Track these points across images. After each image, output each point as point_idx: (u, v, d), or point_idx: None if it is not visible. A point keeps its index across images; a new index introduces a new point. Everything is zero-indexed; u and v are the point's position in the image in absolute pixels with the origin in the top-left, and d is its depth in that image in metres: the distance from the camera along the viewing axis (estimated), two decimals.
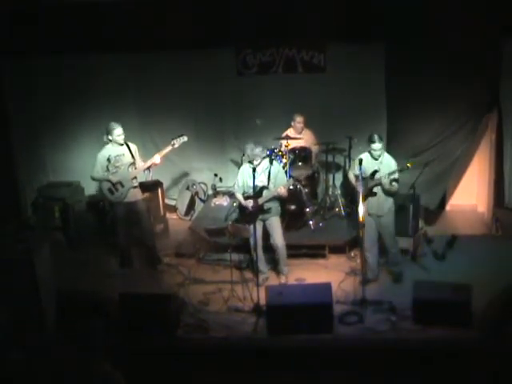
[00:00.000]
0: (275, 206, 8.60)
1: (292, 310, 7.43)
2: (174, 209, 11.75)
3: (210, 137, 11.26)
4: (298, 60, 11.02)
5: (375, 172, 8.23)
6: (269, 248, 8.81)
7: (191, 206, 11.59)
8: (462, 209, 11.42)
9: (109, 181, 8.98)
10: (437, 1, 9.53)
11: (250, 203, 8.44)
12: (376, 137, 8.18)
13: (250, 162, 8.51)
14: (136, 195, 9.25)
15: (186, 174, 11.78)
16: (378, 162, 8.29)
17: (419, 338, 7.26)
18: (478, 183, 11.35)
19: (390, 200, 8.38)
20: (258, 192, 8.39)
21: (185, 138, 9.21)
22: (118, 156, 9.04)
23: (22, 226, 11.15)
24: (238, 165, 10.90)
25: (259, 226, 8.54)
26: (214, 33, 10.32)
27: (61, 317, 7.53)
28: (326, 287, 7.66)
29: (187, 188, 11.68)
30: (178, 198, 11.75)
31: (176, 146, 9.18)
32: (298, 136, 10.46)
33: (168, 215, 11.40)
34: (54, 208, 10.99)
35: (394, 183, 8.15)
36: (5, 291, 7.11)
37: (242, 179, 8.66)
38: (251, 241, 8.50)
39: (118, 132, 8.97)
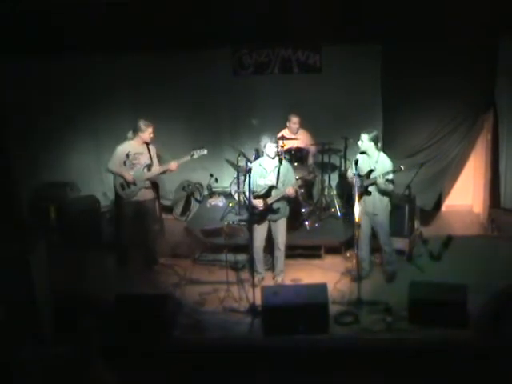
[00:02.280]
0: (283, 207, 8.55)
1: (288, 310, 7.44)
2: (169, 209, 11.73)
3: (205, 137, 11.22)
4: (294, 60, 11.03)
5: (371, 171, 8.30)
6: (267, 249, 8.83)
7: (187, 206, 11.57)
8: (457, 209, 11.42)
9: (122, 177, 9.02)
10: (433, 1, 9.55)
11: (259, 203, 8.40)
12: (361, 135, 8.37)
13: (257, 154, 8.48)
14: (146, 195, 9.31)
15: (181, 175, 11.75)
16: (373, 161, 8.36)
17: (415, 338, 7.27)
18: (473, 184, 11.36)
19: (386, 199, 8.45)
20: (267, 192, 8.40)
21: (205, 151, 9.37)
22: (137, 154, 9.10)
23: (18, 226, 11.12)
24: (234, 165, 10.89)
25: (265, 226, 8.54)
26: (209, 33, 10.31)
27: (57, 317, 7.53)
28: (322, 287, 7.68)
29: (183, 188, 11.66)
30: (174, 199, 11.73)
31: (195, 156, 9.33)
32: (294, 136, 10.45)
33: (164, 216, 11.38)
34: (50, 209, 10.98)
35: (388, 183, 8.21)
36: (1, 292, 7.10)
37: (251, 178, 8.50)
38: (255, 241, 8.46)
39: (150, 130, 9.04)
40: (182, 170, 11.40)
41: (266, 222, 8.56)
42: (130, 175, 9.01)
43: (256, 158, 9.98)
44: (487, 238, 10.23)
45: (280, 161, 8.58)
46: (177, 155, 10.51)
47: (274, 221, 8.55)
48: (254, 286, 8.11)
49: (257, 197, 8.47)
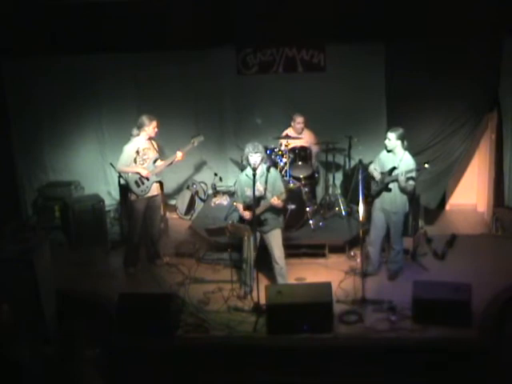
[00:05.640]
0: (273, 218, 8.19)
1: (292, 309, 7.42)
2: (174, 208, 11.75)
3: (210, 136, 11.24)
4: (298, 60, 11.03)
5: (394, 169, 8.32)
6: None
7: (191, 205, 11.58)
8: (461, 208, 11.44)
9: (137, 173, 9.02)
10: (438, 1, 9.55)
11: (246, 214, 8.14)
12: (388, 134, 8.40)
13: (243, 168, 8.25)
14: (157, 189, 9.34)
15: (186, 174, 11.78)
16: (398, 159, 8.36)
17: (419, 337, 7.25)
18: (477, 183, 11.38)
19: (405, 198, 8.44)
20: (256, 202, 8.03)
21: (202, 138, 9.47)
22: (145, 149, 9.10)
23: (23, 225, 11.16)
24: (238, 164, 10.90)
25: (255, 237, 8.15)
26: (214, 32, 10.33)
27: (60, 317, 7.55)
28: (326, 286, 7.66)
29: (187, 187, 11.69)
30: (178, 198, 11.75)
31: (196, 144, 9.39)
32: (298, 136, 10.45)
33: (168, 215, 11.40)
34: (54, 208, 11.02)
35: (410, 181, 8.24)
36: (5, 291, 7.12)
37: (240, 189, 8.30)
38: (244, 252, 8.33)
39: (155, 124, 9.04)
40: (186, 169, 11.49)
41: (257, 234, 8.15)
42: (145, 170, 9.01)
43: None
44: (491, 236, 10.24)
45: (268, 169, 8.16)
46: None
47: (265, 232, 8.22)
48: (240, 298, 8.25)
49: (246, 208, 8.19)
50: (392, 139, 8.35)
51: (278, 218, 8.31)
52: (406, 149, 8.44)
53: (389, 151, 8.47)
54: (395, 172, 8.29)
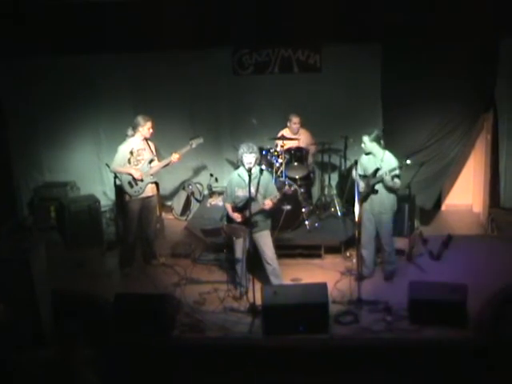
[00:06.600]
0: (262, 220, 8.16)
1: (288, 309, 7.41)
2: (169, 209, 11.74)
3: (205, 137, 11.23)
4: (294, 60, 11.02)
5: (377, 170, 8.30)
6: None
7: (187, 206, 11.58)
8: (457, 209, 11.45)
9: (130, 174, 8.99)
10: (434, 1, 9.56)
11: (237, 216, 8.14)
12: (363, 138, 8.40)
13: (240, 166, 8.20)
14: (152, 190, 9.31)
15: (181, 174, 11.76)
16: (379, 160, 8.35)
17: (415, 338, 7.26)
18: (473, 183, 11.39)
19: (392, 197, 8.43)
20: (245, 204, 8.03)
21: (201, 140, 9.40)
22: (140, 150, 9.07)
23: (19, 226, 11.14)
24: (234, 165, 10.90)
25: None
26: (210, 33, 10.32)
27: (56, 317, 7.53)
28: (322, 287, 7.66)
29: (183, 188, 11.68)
30: (174, 198, 11.75)
31: (194, 146, 9.32)
32: (294, 136, 10.46)
33: (164, 215, 11.39)
34: (50, 208, 11.02)
35: (395, 179, 8.23)
36: (0, 291, 7.09)
37: (230, 189, 8.29)
38: (237, 254, 8.28)
39: (149, 125, 9.00)
40: (182, 170, 11.47)
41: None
42: (137, 172, 8.98)
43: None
44: (487, 237, 10.26)
45: (261, 172, 8.12)
46: None
47: (254, 233, 8.07)
48: (235, 298, 8.25)
49: (235, 209, 8.20)
50: (367, 142, 8.37)
51: (267, 220, 8.29)
52: (383, 148, 8.44)
53: (367, 153, 8.48)
54: (379, 173, 8.27)
